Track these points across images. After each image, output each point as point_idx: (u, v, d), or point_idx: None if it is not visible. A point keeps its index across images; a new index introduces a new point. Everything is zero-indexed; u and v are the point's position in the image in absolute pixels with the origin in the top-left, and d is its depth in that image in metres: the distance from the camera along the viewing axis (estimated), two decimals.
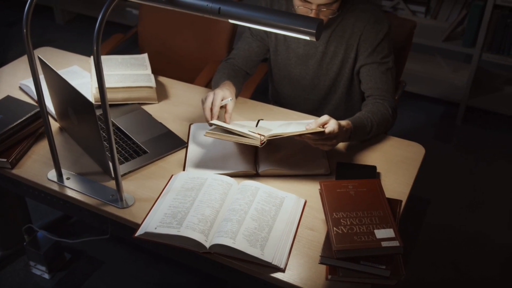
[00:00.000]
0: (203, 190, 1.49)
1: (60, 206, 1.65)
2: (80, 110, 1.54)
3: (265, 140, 1.54)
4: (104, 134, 1.60)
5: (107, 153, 1.52)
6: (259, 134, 1.57)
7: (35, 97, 1.74)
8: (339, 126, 1.55)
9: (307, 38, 1.18)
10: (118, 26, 3.55)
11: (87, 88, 1.95)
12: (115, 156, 1.41)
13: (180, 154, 1.71)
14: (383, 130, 1.77)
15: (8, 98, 1.85)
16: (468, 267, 2.32)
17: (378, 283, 1.28)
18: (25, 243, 2.19)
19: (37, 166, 1.65)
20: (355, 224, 1.31)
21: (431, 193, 2.70)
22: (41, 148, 1.72)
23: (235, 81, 1.88)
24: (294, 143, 1.66)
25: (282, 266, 1.32)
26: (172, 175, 1.60)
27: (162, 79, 2.09)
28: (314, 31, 1.15)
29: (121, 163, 1.64)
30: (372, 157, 1.70)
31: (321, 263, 1.29)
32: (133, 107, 1.92)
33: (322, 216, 1.45)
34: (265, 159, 1.63)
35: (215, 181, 1.53)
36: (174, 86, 2.06)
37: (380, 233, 1.28)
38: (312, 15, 1.66)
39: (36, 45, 2.17)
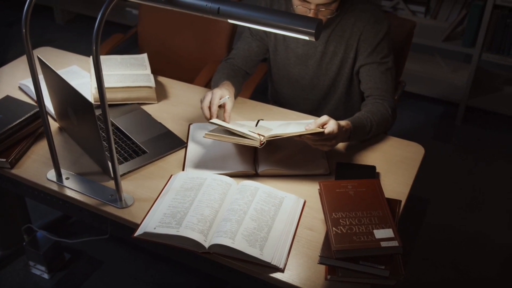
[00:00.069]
0: (202, 190, 1.49)
1: (60, 206, 1.65)
2: (79, 110, 1.54)
3: (264, 141, 1.54)
4: (103, 134, 1.61)
5: (106, 153, 1.52)
6: (258, 134, 1.57)
7: (35, 97, 1.74)
8: (339, 126, 1.55)
9: (306, 38, 1.18)
10: (118, 26, 3.55)
11: (87, 88, 1.95)
12: (114, 156, 1.41)
13: (180, 154, 1.71)
14: (382, 130, 1.77)
15: (8, 98, 1.85)
16: (468, 267, 2.32)
17: (378, 283, 1.27)
18: (24, 243, 2.19)
19: (36, 166, 1.65)
20: (354, 224, 1.31)
21: (431, 193, 2.70)
22: (41, 148, 1.72)
23: (234, 81, 1.88)
24: (294, 143, 1.65)
25: (281, 266, 1.32)
26: (171, 175, 1.60)
27: (162, 79, 2.09)
28: (313, 31, 1.15)
29: (120, 163, 1.64)
30: (372, 157, 1.70)
31: (320, 263, 1.29)
32: (132, 107, 1.92)
33: (322, 216, 1.45)
34: (264, 159, 1.63)
35: (215, 181, 1.53)
36: (173, 86, 2.06)
37: (379, 233, 1.28)
38: (310, 14, 1.66)
39: (36, 45, 2.18)
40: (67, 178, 1.60)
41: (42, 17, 4.22)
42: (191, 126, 1.82)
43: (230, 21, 1.23)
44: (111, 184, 1.55)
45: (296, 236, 1.41)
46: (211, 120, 1.65)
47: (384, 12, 2.09)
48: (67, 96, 1.57)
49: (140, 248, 2.31)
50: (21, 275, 2.23)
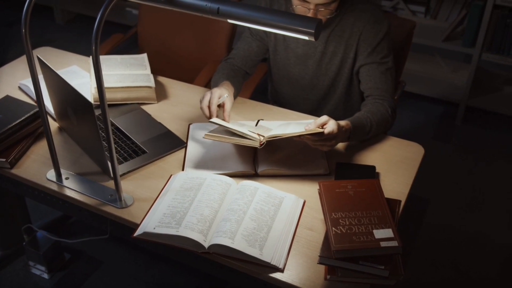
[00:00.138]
0: (202, 190, 1.49)
1: (59, 206, 1.65)
2: (79, 110, 1.54)
3: (264, 141, 1.54)
4: (103, 134, 1.61)
5: (106, 153, 1.52)
6: (258, 134, 1.57)
7: (35, 97, 1.74)
8: (338, 126, 1.55)
9: (306, 38, 1.18)
10: (118, 26, 3.55)
11: (87, 88, 1.95)
12: (114, 156, 1.41)
13: (179, 154, 1.71)
14: (382, 130, 1.77)
15: (7, 98, 1.85)
16: (468, 267, 2.32)
17: (377, 283, 1.27)
18: (24, 243, 2.19)
19: (36, 166, 1.65)
20: (354, 224, 1.31)
21: (431, 193, 2.70)
22: (40, 148, 1.72)
23: (234, 81, 1.88)
24: (293, 143, 1.65)
25: (280, 266, 1.32)
26: (171, 175, 1.60)
27: (162, 79, 2.09)
28: (313, 31, 1.15)
29: (120, 163, 1.64)
30: (371, 157, 1.70)
31: (319, 263, 1.29)
32: (132, 107, 1.92)
33: (321, 216, 1.44)
34: (264, 159, 1.63)
35: (214, 181, 1.53)
36: (173, 86, 2.06)
37: (379, 233, 1.28)
38: (310, 14, 1.66)
39: (36, 45, 2.18)
40: (66, 178, 1.60)
41: (42, 17, 4.22)
42: (191, 126, 1.82)
43: (229, 21, 1.23)
44: (110, 184, 1.55)
45: (295, 236, 1.41)
46: (211, 120, 1.65)
47: (384, 12, 2.10)
48: (67, 96, 1.57)
49: (140, 248, 2.31)
50: (21, 275, 2.23)
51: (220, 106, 1.73)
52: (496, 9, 2.86)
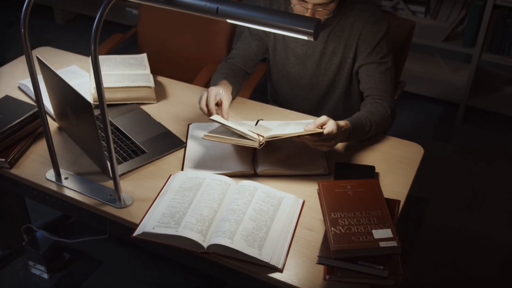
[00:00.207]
0: (201, 190, 1.49)
1: (59, 206, 1.65)
2: (78, 110, 1.54)
3: (263, 141, 1.54)
4: (102, 134, 1.61)
5: (105, 153, 1.52)
6: (257, 134, 1.57)
7: (34, 97, 1.74)
8: (338, 126, 1.55)
9: (305, 38, 1.18)
10: (118, 26, 3.55)
11: (86, 88, 1.95)
12: (113, 156, 1.41)
13: (179, 154, 1.71)
14: (382, 130, 1.77)
15: (7, 98, 1.85)
16: (468, 267, 2.32)
17: (376, 283, 1.27)
18: (24, 243, 2.19)
19: (35, 166, 1.65)
20: (353, 224, 1.31)
21: (431, 193, 2.69)
22: (40, 148, 1.72)
23: (233, 80, 1.88)
24: (293, 143, 1.65)
25: (280, 266, 1.32)
26: (170, 175, 1.60)
27: (161, 79, 2.09)
28: (312, 31, 1.15)
29: (119, 163, 1.64)
30: (371, 157, 1.70)
31: (319, 263, 1.29)
32: (131, 107, 1.92)
33: (320, 216, 1.44)
34: (263, 159, 1.63)
35: (213, 181, 1.53)
36: (173, 86, 2.06)
37: (378, 233, 1.28)
38: (307, 14, 1.66)
39: (36, 45, 2.18)
40: (66, 178, 1.60)
41: (42, 17, 4.22)
42: (190, 126, 1.82)
43: (229, 21, 1.23)
44: (110, 184, 1.55)
45: (295, 236, 1.41)
46: (211, 117, 1.65)
47: (384, 12, 2.10)
48: (66, 96, 1.57)
49: (139, 248, 2.31)
50: (20, 275, 2.23)
51: (218, 104, 1.73)
52: (496, 9, 2.86)
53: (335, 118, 1.58)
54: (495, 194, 2.70)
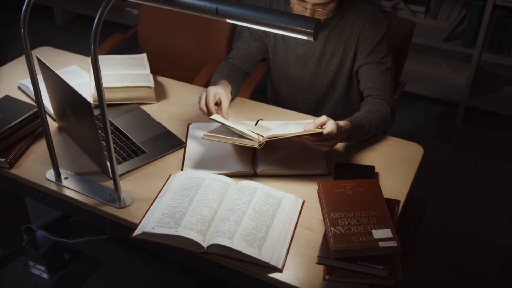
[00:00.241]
0: (201, 190, 1.49)
1: (59, 206, 1.65)
2: (78, 110, 1.54)
3: (263, 141, 1.54)
4: (102, 134, 1.61)
5: (105, 153, 1.52)
6: (257, 134, 1.57)
7: (34, 97, 1.74)
8: (338, 126, 1.55)
9: (305, 38, 1.18)
10: (118, 26, 3.55)
11: (86, 88, 1.95)
12: (113, 156, 1.41)
13: (179, 154, 1.71)
14: (381, 130, 1.77)
15: (7, 98, 1.85)
16: (468, 267, 2.32)
17: (376, 283, 1.27)
18: (24, 243, 2.19)
19: (35, 166, 1.65)
20: (353, 224, 1.31)
21: (431, 193, 2.69)
22: (40, 148, 1.72)
23: (233, 80, 1.88)
24: (293, 143, 1.65)
25: (279, 266, 1.32)
26: (170, 175, 1.60)
27: (161, 79, 2.09)
28: (312, 31, 1.15)
29: (119, 163, 1.64)
30: (371, 157, 1.70)
31: (318, 263, 1.29)
32: (131, 107, 1.92)
33: (320, 216, 1.44)
34: (263, 159, 1.63)
35: (213, 181, 1.53)
36: (173, 86, 2.06)
37: (378, 233, 1.28)
38: (307, 14, 1.66)
39: (36, 45, 2.18)
40: (66, 178, 1.60)
41: (42, 17, 4.22)
42: (190, 126, 1.82)
43: (228, 21, 1.23)
44: (110, 184, 1.55)
45: (294, 236, 1.41)
46: (211, 117, 1.65)
47: (384, 12, 2.09)
48: (66, 96, 1.57)
49: (139, 248, 2.31)
50: (20, 275, 2.23)
51: (218, 104, 1.74)
52: (496, 9, 2.86)
53: (335, 118, 1.58)
54: (495, 194, 2.70)
